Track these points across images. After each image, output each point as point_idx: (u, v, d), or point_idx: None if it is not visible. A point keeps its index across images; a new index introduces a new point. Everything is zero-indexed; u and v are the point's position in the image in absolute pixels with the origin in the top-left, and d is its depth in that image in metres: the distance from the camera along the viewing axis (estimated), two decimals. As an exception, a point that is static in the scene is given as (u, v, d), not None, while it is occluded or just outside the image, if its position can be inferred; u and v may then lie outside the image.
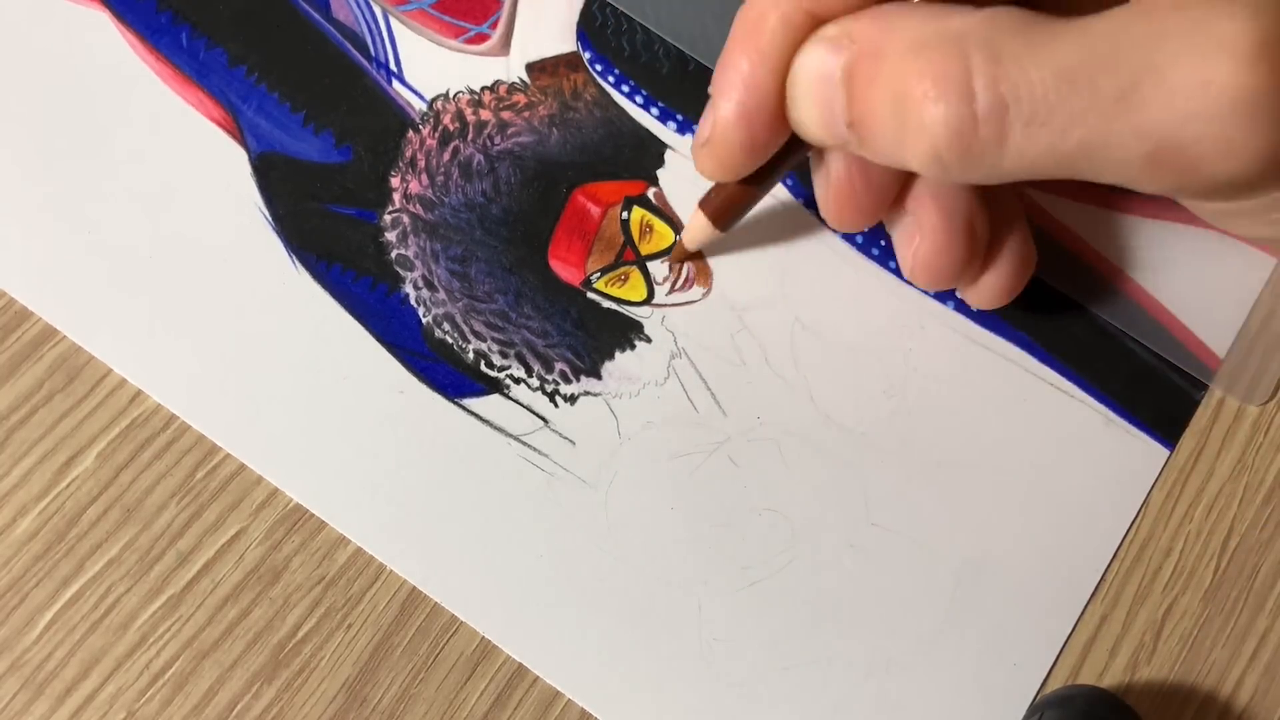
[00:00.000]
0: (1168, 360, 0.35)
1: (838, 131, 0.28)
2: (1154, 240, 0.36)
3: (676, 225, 0.36)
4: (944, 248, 0.31)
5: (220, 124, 0.36)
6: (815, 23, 0.28)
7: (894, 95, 0.26)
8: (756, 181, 0.31)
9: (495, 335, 0.34)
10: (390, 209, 0.35)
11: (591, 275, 0.35)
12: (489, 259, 0.35)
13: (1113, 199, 0.37)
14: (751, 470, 0.33)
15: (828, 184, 0.31)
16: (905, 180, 0.31)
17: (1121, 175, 0.25)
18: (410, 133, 0.36)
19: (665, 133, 0.37)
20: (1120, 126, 0.24)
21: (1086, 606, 0.32)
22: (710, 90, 0.30)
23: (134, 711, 0.30)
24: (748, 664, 0.31)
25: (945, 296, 0.35)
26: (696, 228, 0.33)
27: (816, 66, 0.27)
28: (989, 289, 0.32)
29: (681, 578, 0.32)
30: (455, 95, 0.37)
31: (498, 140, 0.36)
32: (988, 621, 0.32)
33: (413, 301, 0.34)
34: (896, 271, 0.36)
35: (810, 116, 0.28)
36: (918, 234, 0.31)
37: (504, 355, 0.34)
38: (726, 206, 0.33)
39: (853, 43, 0.27)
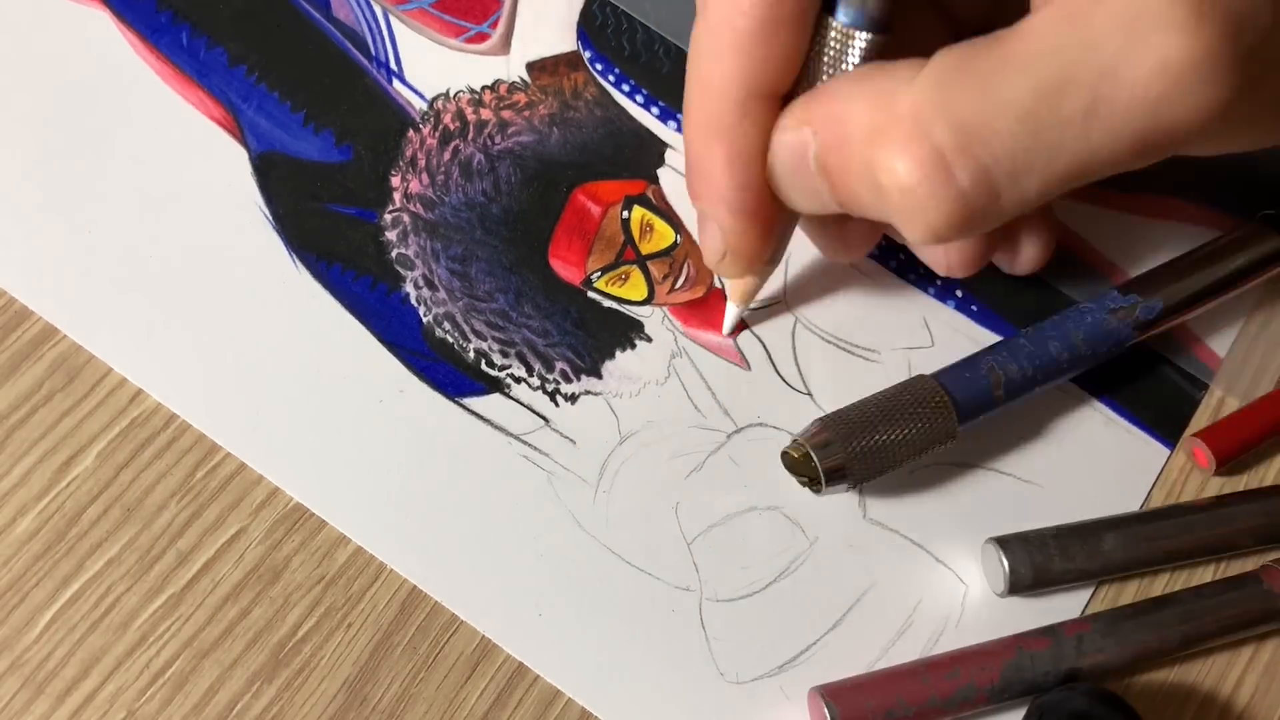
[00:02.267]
0: (1168, 359, 0.35)
1: (831, 207, 0.28)
2: (1154, 240, 0.36)
3: (676, 224, 0.36)
4: (969, 246, 0.31)
5: (220, 123, 0.36)
6: (774, 102, 0.28)
7: (871, 186, 0.25)
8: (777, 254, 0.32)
9: (496, 334, 0.34)
10: (391, 208, 0.35)
11: (592, 274, 0.35)
12: (489, 258, 0.35)
13: (1113, 199, 0.37)
14: (752, 470, 0.33)
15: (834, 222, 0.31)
16: None
17: (1115, 169, 0.25)
18: (411, 132, 0.36)
19: (665, 132, 0.37)
20: (1098, 138, 0.24)
21: (1086, 606, 0.32)
22: (695, 202, 0.30)
23: (134, 711, 0.30)
24: (747, 664, 0.31)
25: (945, 296, 0.35)
26: (733, 311, 0.34)
27: (789, 159, 0.27)
28: (1028, 259, 0.33)
29: (682, 577, 0.32)
30: (456, 94, 0.37)
31: (498, 139, 0.36)
32: (987, 621, 0.32)
33: (413, 301, 0.34)
34: (897, 271, 0.36)
35: (802, 201, 0.28)
36: None
37: (504, 354, 0.34)
38: (752, 290, 0.33)
39: (814, 132, 0.26)
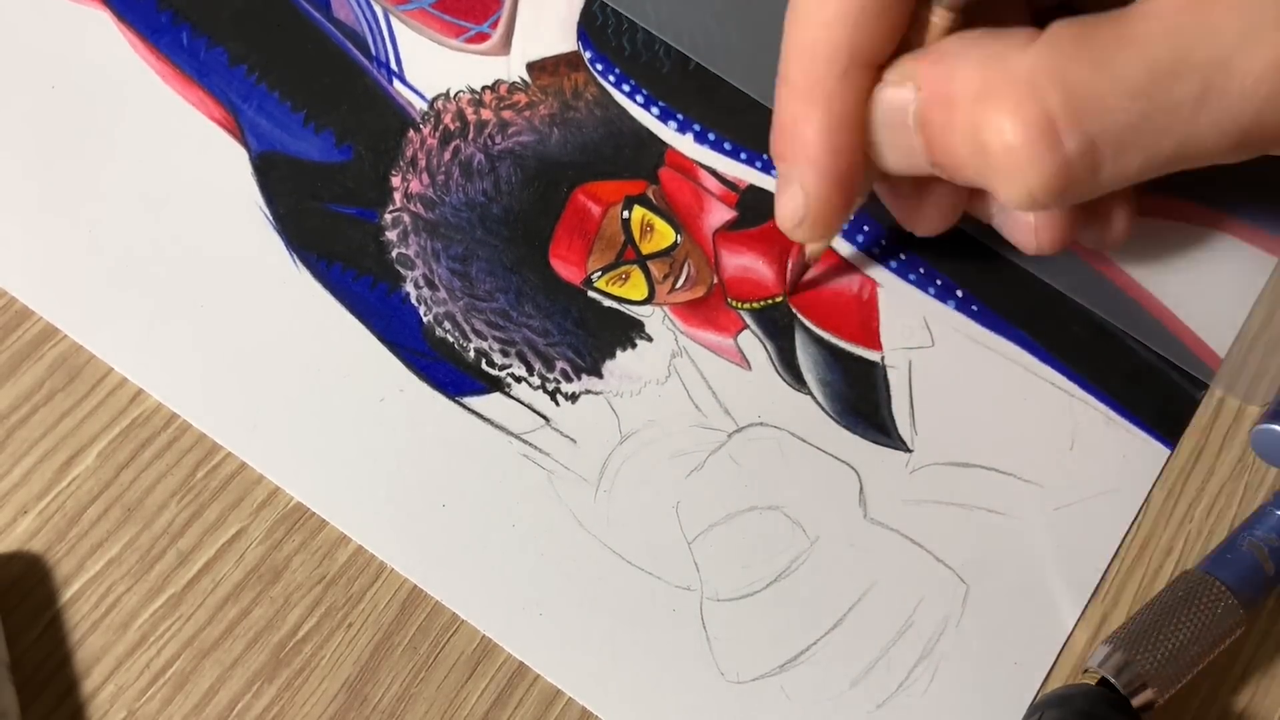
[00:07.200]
0: (1168, 359, 0.35)
1: (922, 168, 0.28)
2: (1154, 240, 0.36)
3: (677, 224, 0.36)
4: (1059, 218, 0.30)
5: (221, 123, 0.36)
6: (873, 70, 0.28)
7: (974, 144, 0.26)
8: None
9: (496, 334, 0.34)
10: (391, 208, 0.35)
11: (592, 274, 0.35)
12: (490, 258, 0.35)
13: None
14: (752, 469, 0.33)
15: (919, 191, 0.31)
16: None
17: (1213, 160, 0.26)
18: (411, 132, 0.36)
19: (666, 132, 0.37)
20: (1204, 127, 0.24)
21: (1087, 606, 0.32)
22: (779, 161, 0.30)
23: (134, 711, 0.30)
24: (748, 664, 0.31)
25: (945, 296, 0.35)
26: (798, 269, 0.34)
27: (888, 116, 0.28)
28: (1118, 234, 0.32)
29: (682, 577, 0.32)
30: (456, 94, 0.37)
31: (498, 139, 0.36)
32: (988, 621, 0.32)
33: (413, 300, 0.34)
34: (897, 271, 0.36)
35: (894, 161, 0.29)
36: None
37: (505, 354, 0.34)
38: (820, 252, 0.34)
39: (918, 88, 0.27)
